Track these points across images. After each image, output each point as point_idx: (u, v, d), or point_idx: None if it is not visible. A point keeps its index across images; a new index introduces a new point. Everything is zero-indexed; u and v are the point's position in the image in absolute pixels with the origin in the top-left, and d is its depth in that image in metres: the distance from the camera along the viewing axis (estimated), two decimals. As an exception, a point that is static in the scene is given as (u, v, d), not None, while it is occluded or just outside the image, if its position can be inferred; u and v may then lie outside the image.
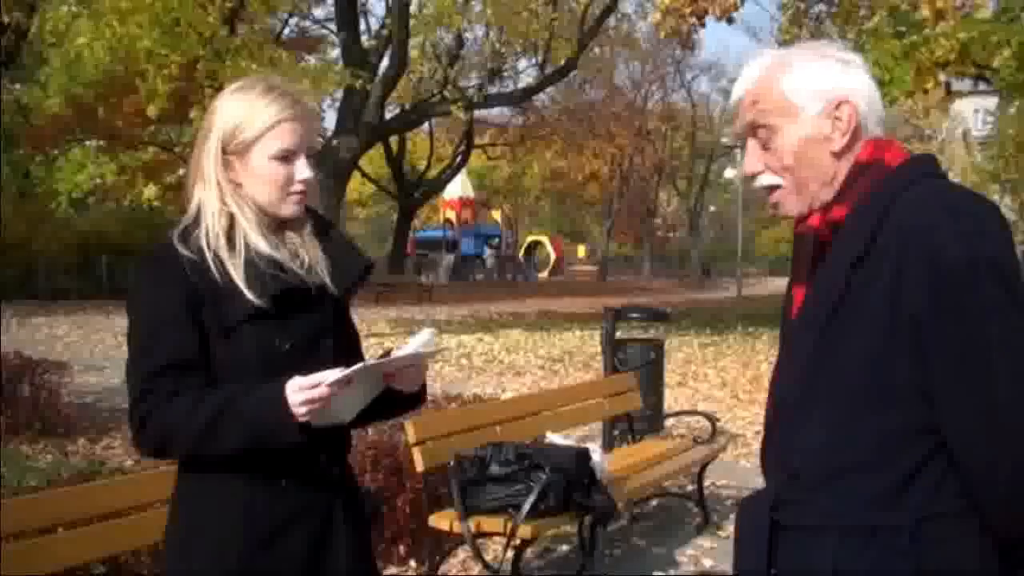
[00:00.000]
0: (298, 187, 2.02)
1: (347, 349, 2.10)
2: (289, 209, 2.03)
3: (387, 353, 1.99)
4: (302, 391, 1.85)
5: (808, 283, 1.74)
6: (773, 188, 1.76)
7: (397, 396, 2.05)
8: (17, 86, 24.74)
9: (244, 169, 2.01)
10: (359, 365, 1.88)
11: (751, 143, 1.77)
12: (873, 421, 1.62)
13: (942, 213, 1.58)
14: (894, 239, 1.59)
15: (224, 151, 2.01)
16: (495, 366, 13.86)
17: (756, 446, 8.43)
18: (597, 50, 28.33)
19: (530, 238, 54.15)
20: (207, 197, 2.01)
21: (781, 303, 1.84)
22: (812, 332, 1.68)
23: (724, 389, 11.81)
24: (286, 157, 2.00)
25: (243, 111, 2.00)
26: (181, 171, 25.01)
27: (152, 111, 15.96)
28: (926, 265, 1.55)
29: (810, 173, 1.71)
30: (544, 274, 50.15)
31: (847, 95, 1.70)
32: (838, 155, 1.70)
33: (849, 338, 1.63)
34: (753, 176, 1.78)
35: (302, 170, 2.02)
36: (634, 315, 8.49)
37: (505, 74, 27.86)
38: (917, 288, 1.55)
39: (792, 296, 1.79)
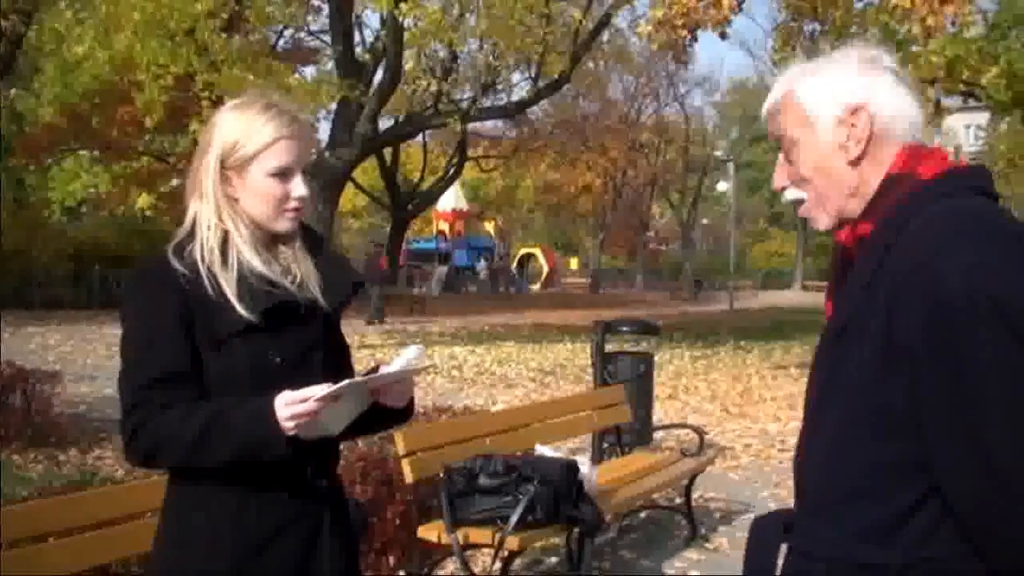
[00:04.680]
0: (294, 204, 2.06)
1: (337, 363, 2.14)
2: (284, 225, 2.07)
3: (375, 368, 2.02)
4: (290, 405, 1.87)
5: (834, 298, 1.68)
6: (799, 202, 1.71)
7: (385, 410, 2.08)
8: (13, 91, 24.71)
9: (242, 185, 2.04)
10: (347, 381, 1.91)
11: (780, 157, 1.71)
12: (869, 449, 1.53)
13: (948, 239, 1.47)
14: (897, 262, 1.49)
15: (223, 166, 2.03)
16: (486, 378, 13.89)
17: (744, 459, 8.55)
18: (591, 64, 28.32)
19: (523, 250, 54.18)
20: (203, 211, 2.04)
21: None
22: (824, 350, 1.63)
23: (714, 402, 11.86)
24: (283, 174, 2.04)
25: (242, 127, 2.03)
26: (175, 181, 25.02)
27: (150, 122, 16.00)
28: (922, 295, 1.44)
29: (829, 184, 1.64)
30: (537, 286, 50.14)
31: (864, 101, 1.60)
32: (855, 163, 1.62)
33: (850, 361, 1.54)
34: (780, 191, 1.73)
35: (298, 187, 2.06)
36: (624, 328, 8.51)
37: (499, 87, 27.86)
38: (912, 318, 1.45)
39: (826, 308, 1.71)
